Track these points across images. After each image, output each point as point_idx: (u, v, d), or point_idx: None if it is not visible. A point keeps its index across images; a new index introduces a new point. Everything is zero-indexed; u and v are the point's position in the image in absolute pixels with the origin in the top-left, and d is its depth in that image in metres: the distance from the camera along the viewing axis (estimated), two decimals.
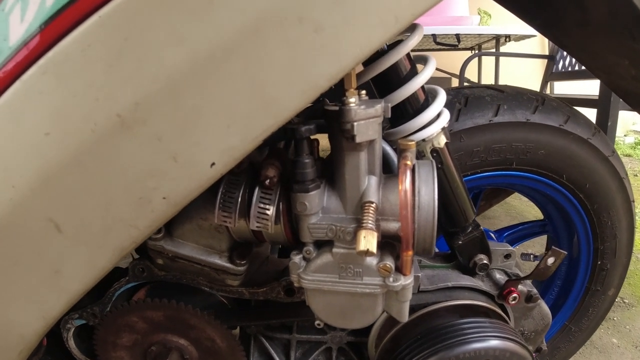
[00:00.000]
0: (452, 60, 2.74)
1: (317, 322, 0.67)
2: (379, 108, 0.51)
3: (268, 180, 0.55)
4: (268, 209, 0.56)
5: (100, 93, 0.45)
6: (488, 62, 2.62)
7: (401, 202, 0.49)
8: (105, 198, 0.48)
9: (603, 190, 0.91)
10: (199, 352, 0.73)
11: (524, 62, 3.17)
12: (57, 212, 0.50)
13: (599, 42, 0.82)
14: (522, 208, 2.28)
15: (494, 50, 2.34)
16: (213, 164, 0.46)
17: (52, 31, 0.46)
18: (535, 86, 2.50)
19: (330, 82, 0.45)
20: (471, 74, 2.40)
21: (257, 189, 0.57)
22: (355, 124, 0.49)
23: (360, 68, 0.66)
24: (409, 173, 0.50)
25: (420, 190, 0.53)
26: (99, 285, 0.75)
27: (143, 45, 0.43)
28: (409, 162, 0.52)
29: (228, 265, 0.64)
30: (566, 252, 0.73)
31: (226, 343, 0.72)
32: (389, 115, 0.56)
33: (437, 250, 1.00)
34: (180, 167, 0.46)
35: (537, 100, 0.84)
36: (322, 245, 0.57)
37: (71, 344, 0.78)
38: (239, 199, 0.57)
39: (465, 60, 2.23)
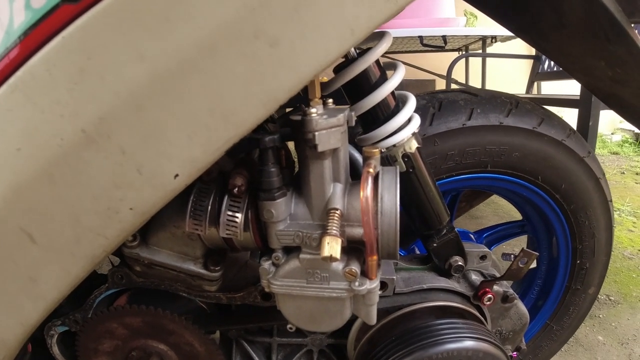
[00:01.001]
0: (440, 62, 2.76)
1: (289, 325, 0.68)
2: (342, 117, 0.53)
3: (236, 189, 0.56)
4: (237, 217, 0.57)
5: (66, 110, 0.47)
6: (475, 63, 2.64)
7: (362, 208, 0.51)
8: (74, 209, 0.49)
9: (579, 191, 0.92)
10: (178, 356, 0.74)
11: (510, 62, 3.19)
12: (29, 223, 0.51)
13: (576, 44, 0.83)
14: (509, 207, 2.29)
15: (480, 51, 2.36)
16: (177, 175, 0.47)
17: (20, 53, 0.48)
18: (522, 86, 2.52)
19: (290, 94, 0.46)
20: (458, 75, 2.41)
21: (226, 198, 0.58)
22: (316, 133, 0.50)
23: (332, 75, 0.68)
24: (370, 180, 0.52)
25: (383, 196, 0.54)
26: (81, 292, 0.77)
27: (104, 63, 0.45)
28: (371, 170, 0.53)
29: (203, 271, 0.66)
30: (538, 254, 0.75)
31: (205, 347, 0.73)
32: (353, 124, 0.57)
33: (418, 252, 1.02)
34: (145, 179, 0.47)
35: (511, 103, 0.86)
36: (291, 251, 0.58)
37: (55, 350, 0.79)
38: (209, 207, 0.58)
39: (452, 62, 2.24)
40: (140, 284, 0.71)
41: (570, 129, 0.90)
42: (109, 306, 0.75)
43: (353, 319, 0.80)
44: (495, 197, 2.40)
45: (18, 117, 0.47)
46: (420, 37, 2.04)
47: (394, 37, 2.19)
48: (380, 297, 0.75)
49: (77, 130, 0.46)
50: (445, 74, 2.27)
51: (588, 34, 0.77)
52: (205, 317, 0.76)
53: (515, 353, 0.92)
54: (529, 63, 2.53)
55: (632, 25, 0.71)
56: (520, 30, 0.94)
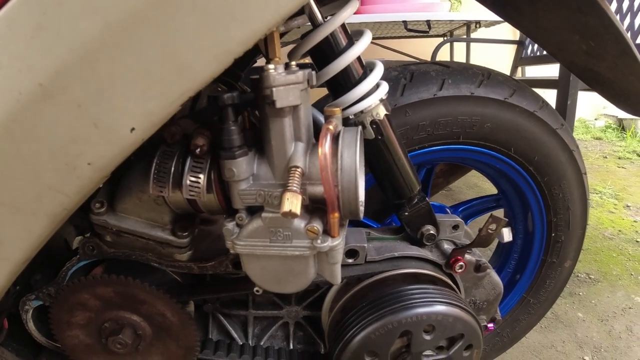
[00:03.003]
0: (424, 47, 2.77)
1: (255, 288, 0.69)
2: (300, 74, 0.53)
3: (198, 149, 0.56)
4: (199, 178, 0.57)
5: (24, 64, 0.47)
6: (459, 48, 2.66)
7: (321, 164, 0.51)
8: (33, 165, 0.50)
9: (553, 163, 0.93)
10: (151, 327, 0.75)
11: (494, 47, 3.21)
12: None
13: (550, 17, 0.84)
14: (492, 191, 2.31)
15: (465, 36, 2.37)
16: (133, 129, 0.48)
17: None
18: (506, 71, 2.53)
19: (244, 47, 0.47)
20: (443, 60, 2.42)
21: (189, 159, 0.58)
22: (274, 89, 0.51)
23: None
24: (329, 136, 0.52)
25: (343, 153, 0.55)
26: (57, 266, 0.77)
27: (60, 17, 0.45)
28: (331, 127, 0.54)
29: (171, 237, 0.66)
30: (506, 220, 0.75)
31: (177, 318, 0.73)
32: (314, 83, 0.57)
33: (393, 224, 1.02)
34: (101, 133, 0.48)
35: (483, 74, 0.86)
36: (254, 212, 0.59)
37: (30, 326, 0.79)
38: (172, 170, 0.59)
39: (437, 47, 2.25)
40: (112, 255, 0.72)
41: (543, 100, 0.91)
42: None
43: (326, 291, 0.81)
44: (477, 180, 2.42)
45: None
46: (405, 22, 2.04)
47: (377, 22, 2.21)
48: (352, 265, 0.76)
49: (34, 84, 0.46)
50: (429, 59, 2.28)
51: (561, 5, 0.77)
52: (177, 287, 0.77)
53: (491, 325, 0.92)
54: (512, 48, 2.55)
55: None
56: (495, 6, 0.95)
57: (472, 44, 2.49)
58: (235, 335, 0.85)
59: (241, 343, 0.84)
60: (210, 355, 0.80)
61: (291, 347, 0.87)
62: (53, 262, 0.78)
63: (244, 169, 0.55)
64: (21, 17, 0.46)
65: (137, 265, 0.74)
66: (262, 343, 0.85)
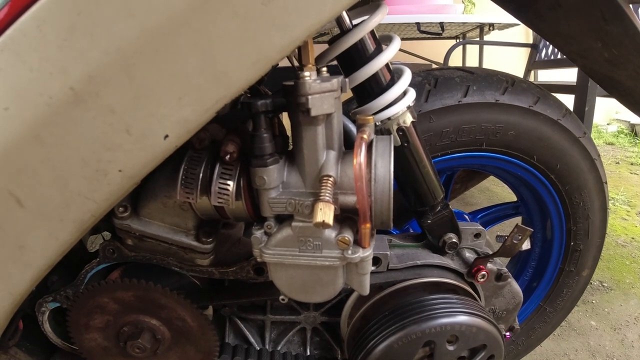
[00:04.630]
0: (437, 49, 2.76)
1: (281, 297, 0.68)
2: (335, 82, 0.52)
3: (228, 156, 0.55)
4: (228, 185, 0.56)
5: (55, 67, 0.46)
6: (472, 51, 2.64)
7: (356, 174, 0.50)
8: (63, 171, 0.49)
9: (574, 172, 0.92)
10: (170, 332, 0.74)
11: (507, 50, 3.19)
12: (17, 186, 0.50)
13: (572, 24, 0.83)
14: (504, 195, 2.30)
15: (478, 39, 2.35)
16: (166, 136, 0.47)
17: (10, 11, 0.47)
18: (519, 75, 2.52)
19: (282, 54, 0.46)
20: (455, 63, 2.41)
21: (218, 165, 0.57)
22: (309, 97, 0.50)
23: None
24: (363, 146, 0.51)
25: (377, 163, 0.54)
26: (73, 267, 0.76)
27: (95, 20, 0.44)
28: (365, 136, 0.53)
29: (194, 243, 0.65)
30: (532, 230, 0.75)
31: (197, 323, 0.73)
32: (347, 91, 0.56)
33: (412, 231, 1.02)
34: (134, 140, 0.47)
35: (507, 81, 0.85)
36: (283, 220, 0.58)
37: (46, 327, 0.79)
38: (201, 175, 0.58)
39: (449, 49, 2.24)
40: (132, 258, 0.71)
41: (566, 109, 0.90)
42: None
43: (345, 298, 0.80)
44: (489, 184, 2.41)
45: (7, 75, 0.46)
46: (418, 24, 2.03)
47: (391, 24, 2.19)
48: (374, 273, 0.75)
49: (65, 89, 0.45)
50: (442, 61, 2.26)
51: (583, 13, 0.76)
52: (197, 292, 0.76)
53: (508, 333, 0.92)
54: (526, 51, 2.53)
55: (630, 5, 0.71)
56: (517, 11, 0.94)
57: (485, 47, 2.47)
58: (252, 339, 0.84)
59: (259, 348, 0.83)
60: None
61: (308, 352, 0.86)
62: (69, 263, 0.77)
63: (274, 177, 0.54)
64: (53, 18, 0.45)
65: (155, 269, 0.73)
66: (279, 348, 0.84)
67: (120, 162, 0.48)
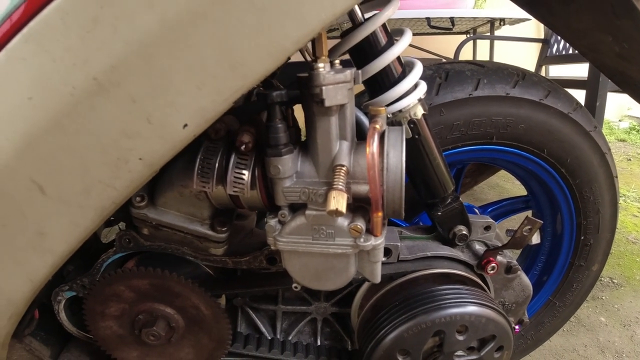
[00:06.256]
0: (447, 44, 2.75)
1: (294, 284, 0.69)
2: (349, 73, 0.53)
3: (243, 146, 0.57)
4: (244, 174, 0.58)
5: (78, 58, 0.47)
6: (483, 45, 2.63)
7: (368, 163, 0.51)
8: (84, 159, 0.50)
9: (585, 165, 0.92)
10: (185, 320, 0.75)
11: (518, 45, 3.17)
12: (40, 173, 0.52)
13: (583, 19, 0.83)
14: (514, 191, 2.30)
15: (488, 34, 2.34)
16: (185, 125, 0.48)
17: (35, 2, 0.48)
18: (530, 70, 2.51)
19: (297, 45, 0.47)
20: (466, 58, 2.40)
21: (233, 155, 0.59)
22: (323, 87, 0.51)
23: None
24: (376, 136, 0.52)
25: (389, 153, 0.55)
26: (88, 258, 0.78)
27: (116, 11, 0.45)
28: (377, 126, 0.53)
29: (210, 232, 0.67)
30: (542, 222, 0.75)
31: (211, 311, 0.74)
32: (360, 82, 0.57)
33: (421, 224, 1.02)
34: (154, 128, 0.48)
35: (518, 75, 0.86)
36: (297, 208, 0.59)
37: (62, 316, 0.80)
38: (217, 165, 0.59)
39: (460, 44, 2.23)
40: (148, 248, 0.72)
41: (577, 102, 0.90)
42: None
43: (355, 289, 0.81)
44: (499, 180, 2.40)
45: (31, 65, 0.48)
46: (428, 19, 2.03)
47: (401, 19, 2.19)
48: (384, 263, 0.76)
49: (89, 78, 0.47)
50: (452, 56, 2.26)
51: (594, 7, 0.76)
52: (211, 281, 0.77)
53: (518, 327, 0.92)
54: (537, 47, 2.51)
55: None
56: (529, 5, 0.94)
57: (496, 42, 2.46)
58: (263, 329, 0.86)
59: (270, 337, 0.84)
60: (239, 348, 0.81)
61: (318, 343, 0.87)
62: (84, 254, 0.79)
63: (289, 167, 0.55)
64: (76, 10, 0.46)
65: (170, 259, 0.74)
66: (290, 338, 0.85)
67: (140, 150, 0.49)
